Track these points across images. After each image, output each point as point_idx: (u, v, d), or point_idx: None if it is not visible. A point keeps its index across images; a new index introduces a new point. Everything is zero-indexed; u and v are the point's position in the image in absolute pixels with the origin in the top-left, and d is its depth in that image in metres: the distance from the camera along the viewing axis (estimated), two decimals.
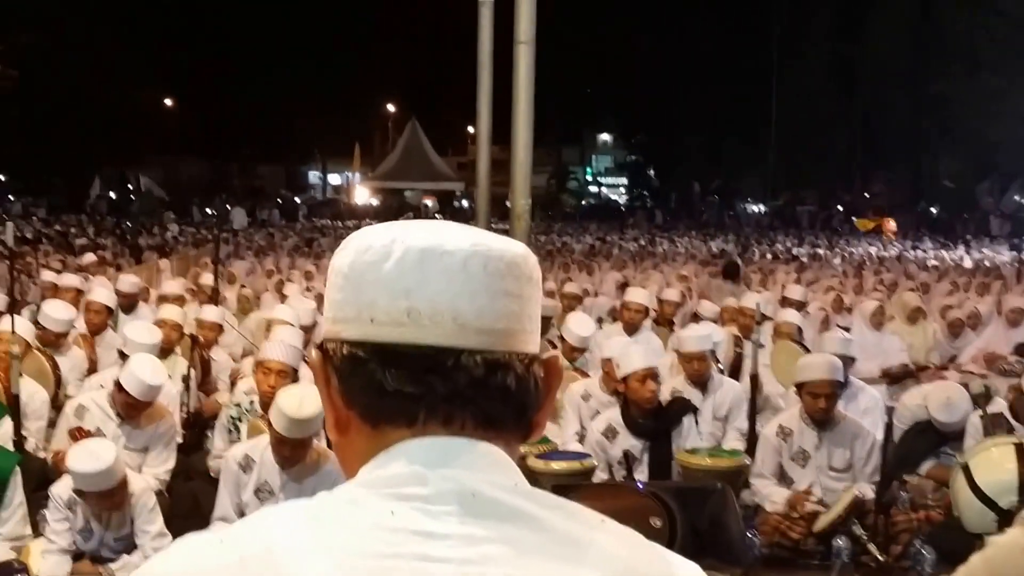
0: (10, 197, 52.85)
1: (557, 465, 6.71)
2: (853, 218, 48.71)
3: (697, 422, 7.29)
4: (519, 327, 1.31)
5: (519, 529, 1.22)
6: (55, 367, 8.32)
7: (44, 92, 50.85)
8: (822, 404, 6.72)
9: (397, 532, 1.20)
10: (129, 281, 11.74)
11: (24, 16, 50.20)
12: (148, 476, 6.59)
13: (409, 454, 1.26)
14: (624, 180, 79.66)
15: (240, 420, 7.09)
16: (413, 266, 1.28)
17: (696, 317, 11.70)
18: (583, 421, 8.00)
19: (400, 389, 1.26)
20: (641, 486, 5.55)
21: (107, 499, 5.70)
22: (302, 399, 5.68)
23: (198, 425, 8.44)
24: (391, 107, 65.96)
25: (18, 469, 5.98)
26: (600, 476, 6.83)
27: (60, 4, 51.80)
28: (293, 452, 5.81)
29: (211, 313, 9.90)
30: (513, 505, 1.23)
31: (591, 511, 1.28)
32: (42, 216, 41.33)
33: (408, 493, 1.22)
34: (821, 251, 31.67)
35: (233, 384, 8.73)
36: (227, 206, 45.50)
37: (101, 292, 10.06)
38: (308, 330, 9.72)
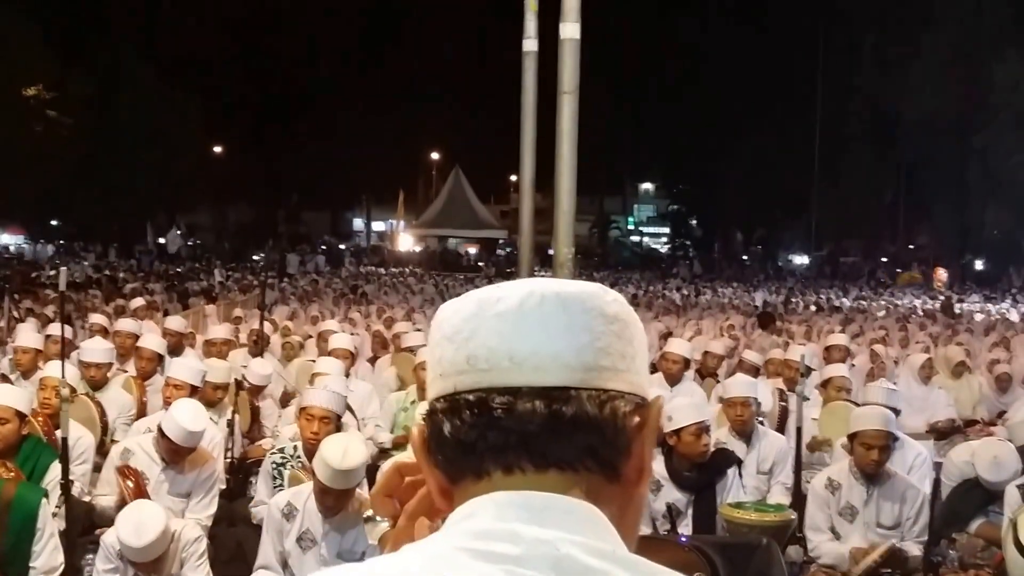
0: (61, 242, 53.57)
1: None
2: (898, 270, 48.04)
3: (741, 475, 7.24)
4: (589, 362, 1.26)
5: None
6: (102, 413, 8.39)
7: (97, 140, 51.42)
8: (875, 456, 6.58)
9: None
10: (176, 320, 11.84)
11: (78, 66, 51.03)
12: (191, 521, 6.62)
13: (497, 508, 1.22)
14: (666, 229, 79.64)
15: (284, 466, 7.09)
16: (470, 315, 1.29)
17: (741, 364, 11.65)
18: None
19: (462, 437, 1.25)
20: (685, 540, 5.50)
21: (156, 565, 5.72)
22: (346, 450, 5.69)
23: (242, 471, 8.47)
24: (435, 155, 66.39)
25: (45, 502, 6.01)
26: (643, 530, 6.77)
27: (112, 54, 52.55)
28: (336, 502, 5.83)
29: (258, 372, 9.87)
30: (607, 571, 1.17)
31: None
32: (92, 262, 41.76)
33: (495, 552, 1.17)
34: (865, 303, 31.46)
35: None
36: (275, 253, 45.81)
37: (152, 339, 10.14)
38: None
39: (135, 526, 5.63)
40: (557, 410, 1.23)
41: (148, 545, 5.60)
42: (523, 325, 1.26)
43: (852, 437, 6.73)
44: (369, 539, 5.58)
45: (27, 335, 10.30)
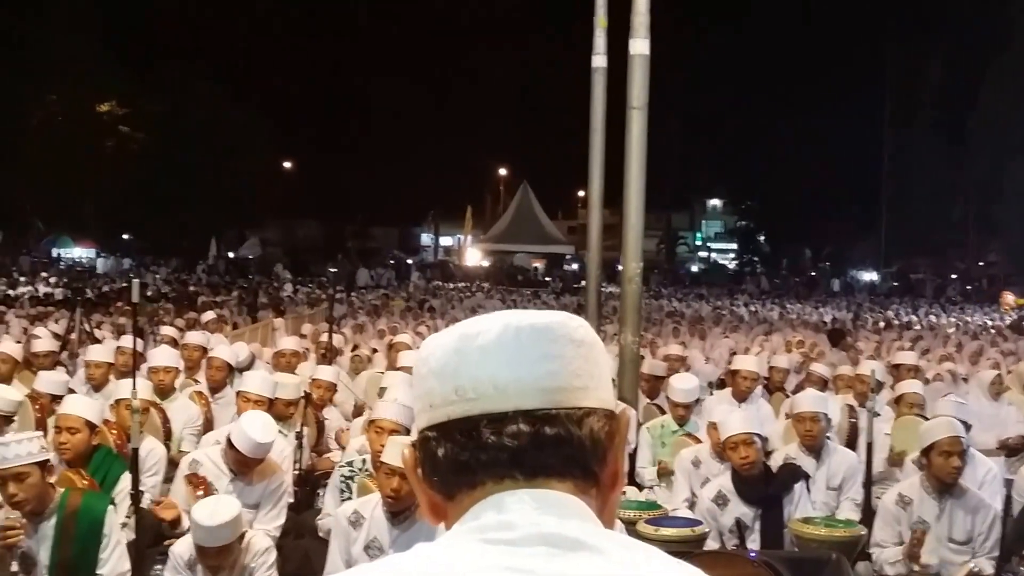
0: (132, 256, 54.24)
1: (667, 531, 6.59)
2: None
3: (809, 490, 7.17)
4: (563, 384, 1.41)
5: (606, 563, 1.31)
6: (165, 420, 8.49)
7: (168, 155, 52.07)
8: (955, 463, 6.45)
9: (488, 570, 1.31)
10: (243, 350, 11.91)
11: (150, 83, 51.78)
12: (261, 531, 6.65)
13: (497, 506, 1.38)
14: (734, 245, 79.18)
15: (352, 479, 7.12)
16: (454, 352, 1.44)
17: (809, 377, 11.57)
18: (693, 487, 7.92)
19: (456, 458, 1.40)
20: (754, 555, 5.46)
21: (222, 556, 5.75)
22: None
23: (310, 483, 8.51)
24: (503, 170, 66.53)
25: (111, 510, 6.08)
26: (711, 544, 6.75)
27: (183, 71, 53.25)
28: (403, 484, 5.78)
29: (326, 373, 9.98)
30: (595, 544, 1.32)
31: (663, 553, 1.36)
32: (163, 276, 42.29)
33: (495, 538, 1.33)
34: (935, 319, 31.09)
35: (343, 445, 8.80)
36: (345, 267, 46.05)
37: (222, 349, 10.26)
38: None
39: (210, 510, 5.73)
40: (540, 430, 1.39)
41: (221, 525, 5.65)
42: (503, 356, 1.42)
43: (927, 450, 6.59)
44: None
45: (101, 349, 10.51)
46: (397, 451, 5.79)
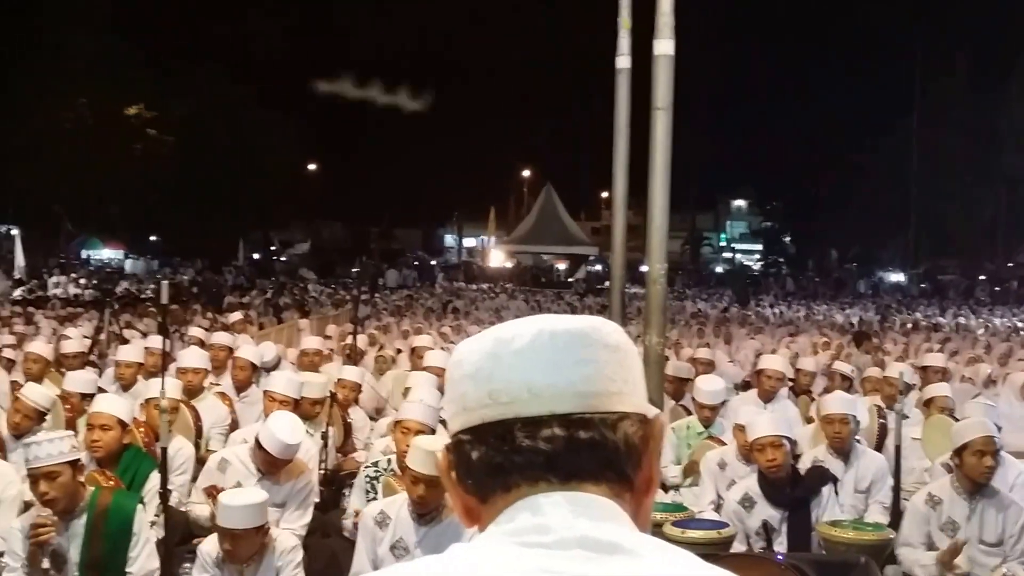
0: (158, 257, 54.47)
1: (694, 533, 6.56)
2: None
3: (837, 492, 7.14)
4: (598, 388, 1.42)
5: (641, 567, 1.32)
6: (197, 418, 8.53)
7: (196, 158, 52.22)
8: (989, 462, 6.40)
9: (525, 573, 1.31)
10: (270, 350, 11.96)
11: (177, 86, 51.94)
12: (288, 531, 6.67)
13: (532, 509, 1.38)
14: (759, 246, 78.87)
15: (378, 479, 7.13)
16: (489, 356, 1.45)
17: (833, 377, 11.53)
18: (719, 490, 7.90)
19: (490, 461, 1.41)
20: (781, 558, 5.45)
21: (246, 541, 5.79)
22: (438, 437, 5.81)
23: (336, 483, 8.53)
24: (526, 172, 66.52)
25: (140, 508, 6.12)
26: (738, 547, 6.72)
27: (209, 74, 53.40)
28: (428, 491, 5.81)
29: (351, 373, 10.01)
30: (631, 547, 1.33)
31: (697, 557, 1.37)
32: (190, 278, 42.44)
33: (531, 541, 1.34)
34: (963, 320, 30.89)
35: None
36: (369, 268, 46.09)
37: (247, 349, 10.34)
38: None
39: (235, 492, 5.87)
40: (575, 434, 1.39)
41: (244, 506, 5.71)
42: (538, 360, 1.42)
43: (960, 450, 6.52)
44: None
45: (130, 349, 10.59)
46: (422, 457, 5.78)
